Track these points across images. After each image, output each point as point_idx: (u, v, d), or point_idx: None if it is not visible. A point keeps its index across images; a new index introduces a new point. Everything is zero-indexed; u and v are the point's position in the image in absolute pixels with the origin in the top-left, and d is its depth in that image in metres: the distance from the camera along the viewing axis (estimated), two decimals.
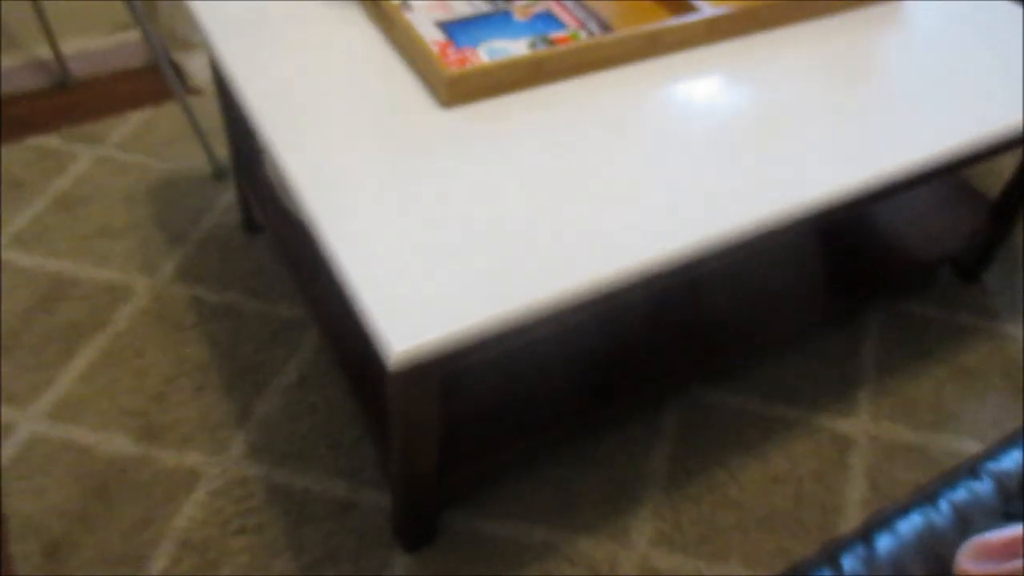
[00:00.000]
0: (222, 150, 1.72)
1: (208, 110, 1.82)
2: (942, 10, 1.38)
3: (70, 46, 1.84)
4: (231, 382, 1.34)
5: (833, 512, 1.26)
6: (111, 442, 1.25)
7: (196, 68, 1.90)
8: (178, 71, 1.92)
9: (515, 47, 1.16)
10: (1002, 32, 1.34)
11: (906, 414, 1.39)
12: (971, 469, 0.95)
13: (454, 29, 1.19)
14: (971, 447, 1.36)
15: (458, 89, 1.07)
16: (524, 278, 0.88)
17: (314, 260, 1.33)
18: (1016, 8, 1.42)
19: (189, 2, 1.22)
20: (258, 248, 1.53)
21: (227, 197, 1.62)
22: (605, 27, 1.22)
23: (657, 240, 0.94)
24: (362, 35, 1.18)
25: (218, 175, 1.65)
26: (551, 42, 1.18)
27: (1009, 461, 0.95)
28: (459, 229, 0.92)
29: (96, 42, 1.86)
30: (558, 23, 1.22)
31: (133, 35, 1.90)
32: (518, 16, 1.23)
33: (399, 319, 0.83)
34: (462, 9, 1.23)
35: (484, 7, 1.24)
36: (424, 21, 1.19)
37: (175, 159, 1.69)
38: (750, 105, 1.13)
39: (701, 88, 1.15)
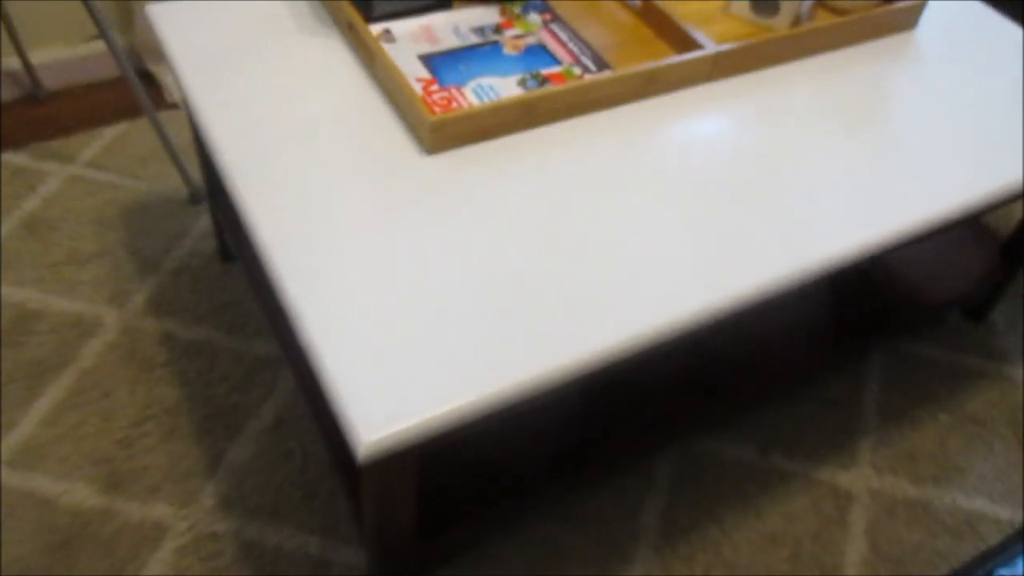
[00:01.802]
0: (199, 169, 1.64)
1: (186, 125, 1.75)
2: (948, 37, 1.31)
3: (41, 56, 1.75)
4: (202, 426, 1.27)
5: (832, 575, 1.21)
6: (74, 493, 1.19)
7: (173, 81, 1.82)
8: (153, 83, 1.84)
9: (504, 85, 1.09)
10: (1010, 58, 1.28)
11: (908, 466, 1.33)
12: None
13: (439, 63, 1.11)
14: (975, 504, 1.30)
15: (442, 135, 1.00)
16: (511, 353, 0.82)
17: None
18: (1017, 30, 1.35)
19: (157, 30, 1.15)
20: (234, 278, 1.46)
21: (203, 222, 1.55)
22: (600, 62, 1.14)
23: (654, 308, 0.87)
24: (343, 68, 1.11)
25: (194, 198, 1.58)
26: (543, 79, 1.11)
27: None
28: (440, 296, 0.86)
29: (69, 52, 1.77)
30: (551, 57, 1.15)
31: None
32: (508, 49, 1.15)
33: (370, 404, 0.77)
34: (449, 40, 1.15)
35: (472, 38, 1.16)
36: (407, 55, 1.12)
37: (150, 179, 1.62)
38: (755, 150, 1.07)
39: (702, 132, 1.08)
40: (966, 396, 1.44)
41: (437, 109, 1.04)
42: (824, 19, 1.30)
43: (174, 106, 1.79)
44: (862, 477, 1.31)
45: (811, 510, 1.27)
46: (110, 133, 1.70)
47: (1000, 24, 1.37)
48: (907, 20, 1.30)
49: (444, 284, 0.87)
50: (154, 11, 1.17)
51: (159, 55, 1.84)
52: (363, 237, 0.90)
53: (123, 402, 1.29)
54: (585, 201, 0.97)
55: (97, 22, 1.41)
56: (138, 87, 1.46)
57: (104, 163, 1.64)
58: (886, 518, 1.27)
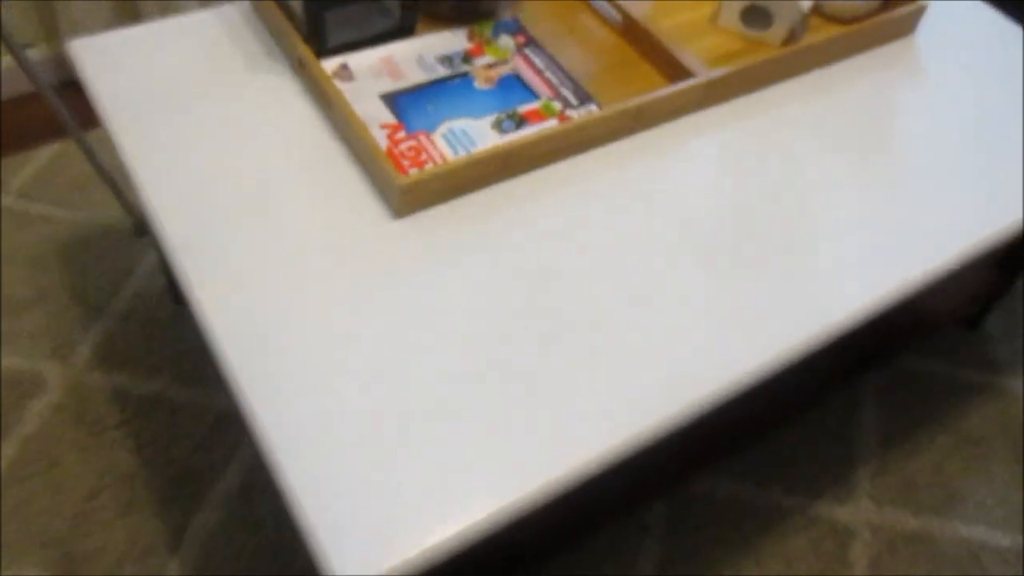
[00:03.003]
0: None
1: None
2: (949, 42, 1.22)
3: None
4: (163, 494, 1.17)
5: None
6: None
7: None
8: (83, 96, 1.68)
9: (478, 128, 0.98)
10: (1013, 61, 1.19)
11: (908, 495, 1.29)
12: None
13: (405, 104, 1.00)
14: (977, 532, 1.26)
15: (414, 197, 0.89)
16: (507, 461, 0.73)
17: None
18: (1018, 30, 1.26)
19: (83, 73, 1.01)
20: (188, 322, 1.35)
21: (151, 258, 1.42)
22: (582, 93, 1.04)
23: (660, 395, 0.79)
24: (296, 112, 0.99)
25: (139, 230, 1.45)
26: (520, 119, 1.00)
27: None
28: (423, 393, 0.76)
29: None
30: (527, 91, 1.04)
31: (39, 52, 1.66)
32: (480, 83, 1.04)
33: (347, 539, 0.68)
34: (414, 75, 1.03)
35: (440, 70, 1.05)
36: (368, 94, 1.00)
37: (89, 209, 1.48)
38: (756, 190, 0.98)
39: (697, 172, 0.99)
40: (963, 413, 1.39)
41: (405, 162, 0.93)
42: (819, 27, 1.20)
43: None
44: (862, 511, 1.26)
45: (811, 550, 1.22)
46: (44, 155, 1.55)
47: (1000, 24, 1.28)
48: (906, 26, 1.21)
49: (425, 377, 0.77)
50: (78, 49, 1.04)
51: None
52: (329, 327, 0.80)
53: (74, 471, 1.18)
54: (575, 265, 0.88)
55: (3, 36, 1.24)
56: (59, 106, 1.31)
57: (37, 192, 1.49)
58: (888, 555, 1.23)
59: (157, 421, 1.24)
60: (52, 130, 1.61)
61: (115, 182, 1.41)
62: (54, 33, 1.64)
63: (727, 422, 1.18)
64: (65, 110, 1.32)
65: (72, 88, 1.70)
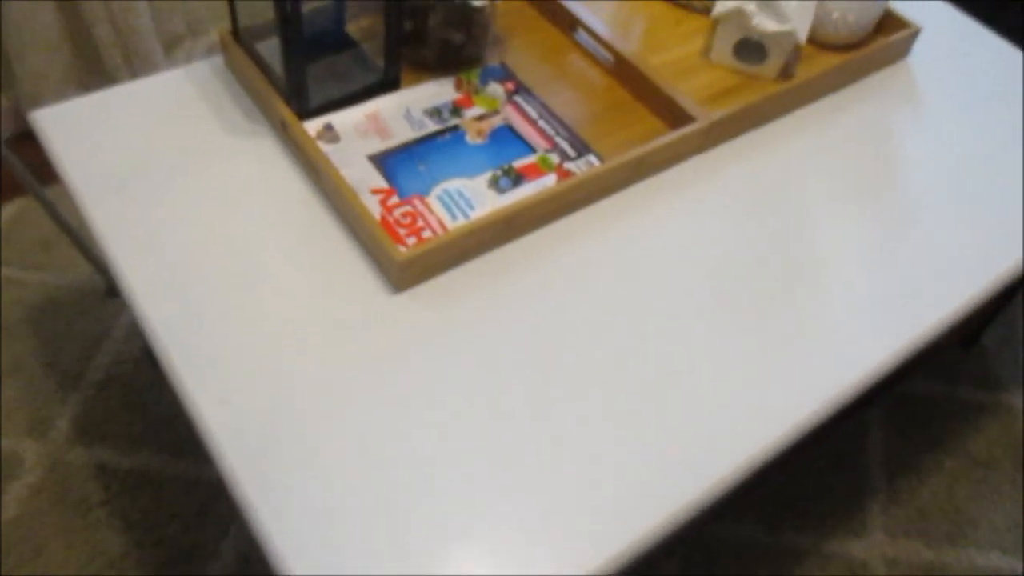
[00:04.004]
0: None
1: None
2: (943, 64, 1.19)
3: None
4: None
5: None
6: None
7: None
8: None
9: (474, 188, 0.94)
10: (1014, 81, 1.17)
11: (921, 525, 1.27)
12: None
13: (395, 165, 0.95)
14: (991, 560, 1.24)
15: (413, 271, 0.85)
16: (540, 551, 0.69)
17: None
18: (1017, 53, 1.24)
19: (49, 146, 0.95)
20: (169, 386, 1.29)
21: (127, 318, 1.36)
22: (579, 143, 1.00)
23: (679, 479, 0.75)
24: (280, 180, 0.94)
25: (111, 289, 1.38)
26: (517, 175, 0.96)
27: None
28: (443, 482, 0.72)
29: None
30: (521, 143, 0.99)
31: None
32: (472, 137, 0.99)
33: None
34: (402, 132, 0.98)
35: (429, 125, 1.00)
36: (356, 157, 0.95)
37: (57, 270, 1.41)
38: (763, 239, 0.94)
39: (701, 222, 0.95)
40: (967, 435, 1.38)
41: (401, 231, 0.88)
42: (811, 55, 1.17)
43: None
44: (876, 544, 1.24)
45: None
46: (3, 215, 1.48)
47: (994, 43, 1.26)
48: (900, 51, 1.18)
49: (441, 466, 0.73)
50: (41, 120, 0.97)
51: None
52: (332, 414, 0.75)
53: (60, 558, 1.12)
54: (585, 329, 0.84)
55: None
56: (16, 164, 1.24)
57: (0, 254, 1.42)
58: None
59: (144, 497, 1.18)
60: (9, 187, 1.53)
61: (81, 240, 1.34)
62: (9, 84, 1.56)
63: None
64: (23, 168, 1.25)
65: (29, 140, 1.62)
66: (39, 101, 1.56)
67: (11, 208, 1.49)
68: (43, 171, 1.51)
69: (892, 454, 1.34)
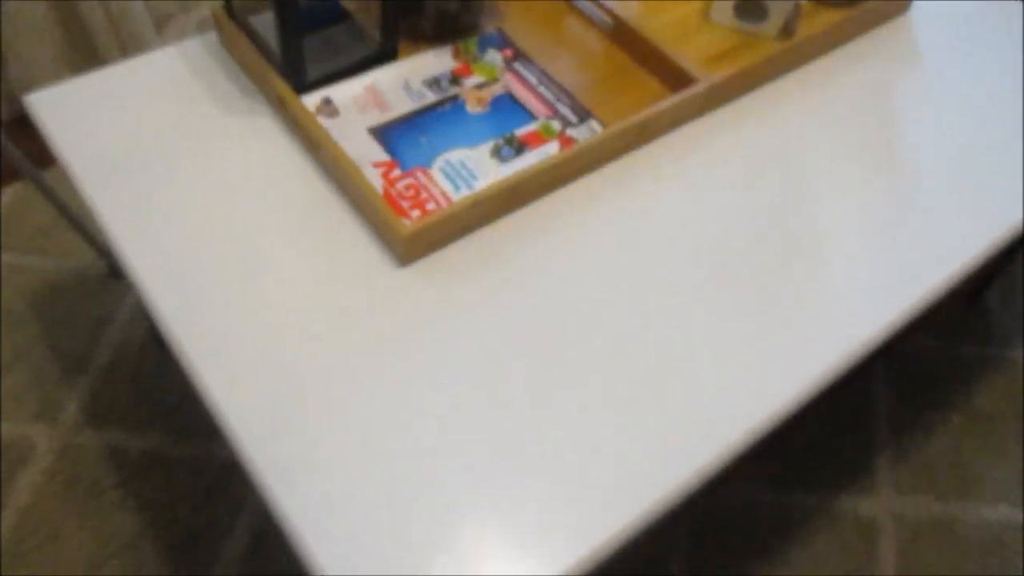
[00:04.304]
0: None
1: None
2: (944, 18, 1.18)
3: None
4: (171, 558, 1.12)
5: None
6: None
7: None
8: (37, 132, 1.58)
9: (477, 159, 0.93)
10: (1017, 34, 1.16)
11: (929, 480, 1.28)
12: None
13: (396, 138, 0.94)
14: (999, 512, 1.25)
15: (418, 244, 0.84)
16: (550, 526, 0.69)
17: None
18: (1017, 6, 1.23)
19: (44, 129, 0.94)
20: (176, 369, 1.29)
21: (130, 300, 1.36)
22: (580, 109, 0.99)
23: (685, 446, 0.75)
24: (280, 156, 0.93)
25: (114, 272, 1.38)
26: (519, 143, 0.95)
27: None
28: (455, 455, 0.72)
29: None
30: (522, 111, 0.98)
31: None
32: (472, 106, 0.98)
33: None
34: (401, 104, 0.97)
35: (428, 96, 0.99)
36: (356, 130, 0.94)
37: (58, 254, 1.40)
38: (765, 203, 0.93)
39: (704, 186, 0.95)
40: (972, 389, 1.39)
41: (405, 204, 0.88)
42: (810, 12, 1.15)
43: None
44: (884, 501, 1.25)
45: (839, 547, 1.20)
46: (2, 200, 1.47)
47: None
48: (901, 6, 1.17)
49: (449, 442, 0.73)
50: (36, 103, 0.96)
51: None
52: (344, 388, 0.75)
53: (75, 542, 1.13)
54: (591, 296, 0.83)
55: None
56: (11, 149, 1.23)
57: (1, 241, 1.41)
58: (913, 544, 1.22)
59: (156, 478, 1.18)
60: (7, 173, 1.52)
61: (81, 223, 1.33)
62: (2, 69, 1.54)
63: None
64: (19, 153, 1.24)
65: (22, 125, 1.61)
66: (31, 85, 1.54)
67: (9, 194, 1.48)
68: (39, 156, 1.50)
69: (898, 412, 1.35)
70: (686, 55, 1.04)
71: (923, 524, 1.24)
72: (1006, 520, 1.25)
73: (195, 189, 0.89)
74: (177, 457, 1.20)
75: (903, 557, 1.20)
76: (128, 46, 1.54)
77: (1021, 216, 0.96)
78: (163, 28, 1.61)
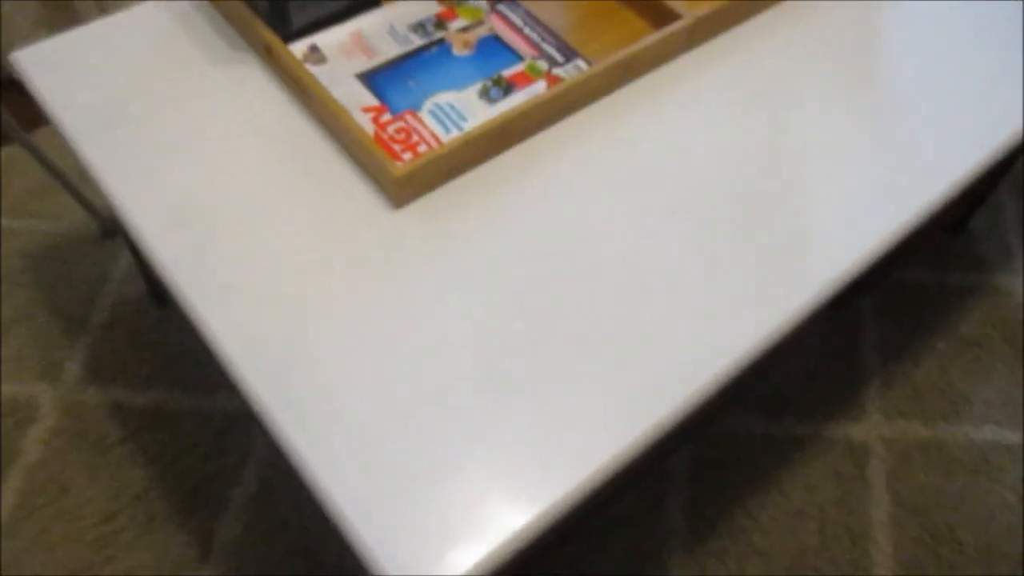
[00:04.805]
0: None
1: None
2: None
3: None
4: (182, 507, 1.15)
5: (862, 539, 1.19)
6: None
7: None
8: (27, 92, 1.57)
9: (465, 100, 0.94)
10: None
11: (917, 406, 1.31)
12: None
13: (384, 82, 0.94)
14: (985, 433, 1.29)
15: (411, 186, 0.85)
16: (550, 450, 0.71)
17: None
18: None
19: (33, 87, 0.94)
20: (175, 324, 1.30)
21: (124, 260, 1.36)
22: (566, 49, 0.99)
23: (674, 375, 0.77)
24: (268, 105, 0.93)
25: (106, 232, 1.38)
26: (507, 84, 0.96)
27: None
28: (451, 385, 0.74)
29: None
30: (509, 52, 0.99)
31: None
32: (458, 49, 0.99)
33: (393, 543, 0.67)
34: (388, 49, 0.98)
35: (414, 40, 0.99)
36: (344, 77, 0.94)
37: (50, 217, 1.41)
38: (750, 138, 0.95)
39: (691, 119, 0.96)
40: (959, 317, 1.41)
41: (396, 147, 0.89)
42: None
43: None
44: (874, 426, 1.29)
45: (831, 474, 1.24)
46: None
47: None
48: None
49: (447, 370, 0.75)
50: (23, 60, 0.96)
51: None
52: (346, 329, 0.77)
53: (86, 496, 1.15)
54: (582, 235, 0.85)
55: None
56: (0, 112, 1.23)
57: None
58: (904, 467, 1.25)
59: (162, 432, 1.20)
60: None
61: (73, 184, 1.34)
62: None
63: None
64: (7, 116, 1.24)
65: (6, 88, 1.60)
66: (9, 48, 1.53)
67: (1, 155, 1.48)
68: (26, 119, 1.50)
69: (885, 341, 1.38)
70: None
71: (912, 447, 1.27)
72: (993, 440, 1.29)
73: (187, 139, 0.90)
74: (181, 410, 1.22)
75: (894, 479, 1.24)
76: (106, 5, 1.52)
77: (995, 146, 0.98)
78: None
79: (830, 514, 1.21)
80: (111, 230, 1.38)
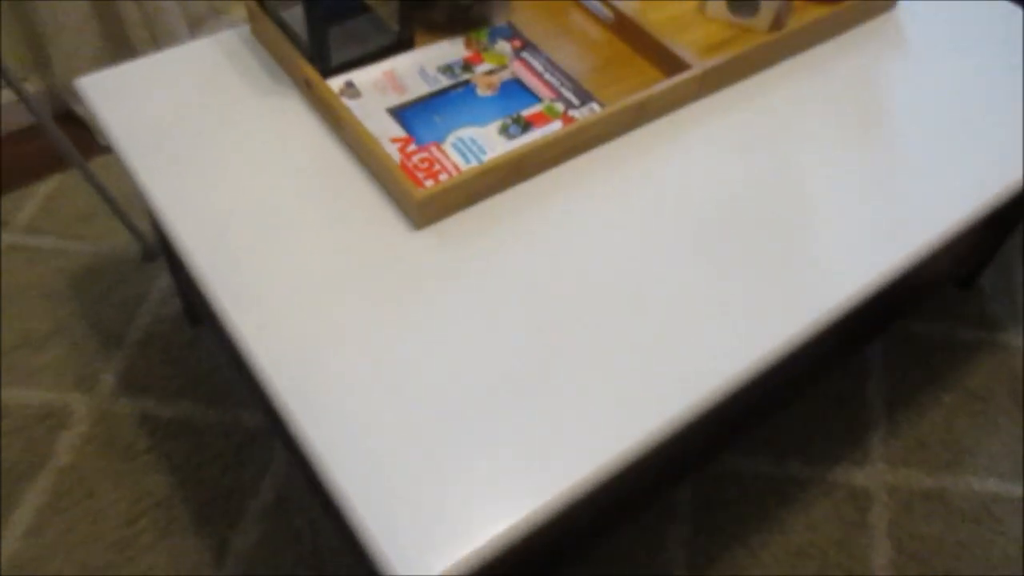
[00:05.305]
0: (148, 219, 1.53)
1: (127, 172, 1.62)
2: (930, 10, 1.25)
3: None
4: (200, 515, 1.20)
5: None
6: None
7: None
8: (81, 125, 1.69)
9: (486, 135, 1.01)
10: (1003, 34, 1.23)
11: (920, 455, 1.33)
12: None
13: (412, 117, 1.02)
14: (988, 485, 1.31)
15: (431, 209, 0.92)
16: (552, 453, 0.76)
17: None
18: (1016, 9, 1.30)
19: (94, 109, 1.03)
20: (206, 344, 1.37)
21: (162, 282, 1.44)
22: (582, 93, 1.07)
23: (680, 388, 0.82)
24: (305, 132, 1.01)
25: (148, 255, 1.47)
26: (525, 122, 1.03)
27: None
28: (461, 395, 0.79)
29: None
30: (529, 94, 1.06)
31: (32, 86, 1.66)
32: (482, 90, 1.07)
33: (401, 539, 0.71)
34: (417, 87, 1.06)
35: (442, 81, 1.07)
36: (375, 110, 1.02)
37: (96, 238, 1.50)
38: (756, 178, 1.01)
39: (699, 161, 1.02)
40: (965, 371, 1.44)
41: (420, 174, 0.96)
42: (802, 8, 1.23)
43: (109, 150, 1.65)
44: (878, 473, 1.31)
45: (833, 516, 1.26)
46: (43, 190, 1.57)
47: None
48: (887, 4, 1.24)
49: (460, 385, 0.80)
50: (86, 86, 1.05)
51: None
52: (366, 339, 0.83)
53: (110, 499, 1.21)
54: (591, 262, 0.91)
55: (2, 71, 1.25)
56: (61, 138, 1.32)
57: (42, 226, 1.51)
58: (905, 514, 1.27)
59: (186, 444, 1.26)
60: (48, 165, 1.62)
61: (120, 209, 1.43)
62: (46, 66, 1.65)
63: (743, 403, 1.22)
64: (68, 142, 1.33)
65: (63, 121, 1.71)
66: (71, 82, 1.65)
67: (51, 183, 1.58)
68: (79, 148, 1.60)
69: (892, 391, 1.40)
70: (682, 45, 1.12)
71: (915, 495, 1.29)
72: (996, 493, 1.30)
73: (229, 162, 0.98)
74: (206, 423, 1.28)
75: (895, 526, 1.26)
76: (162, 45, 1.64)
77: (994, 193, 1.03)
78: (196, 29, 1.72)
79: (831, 556, 1.23)
80: (152, 254, 1.47)
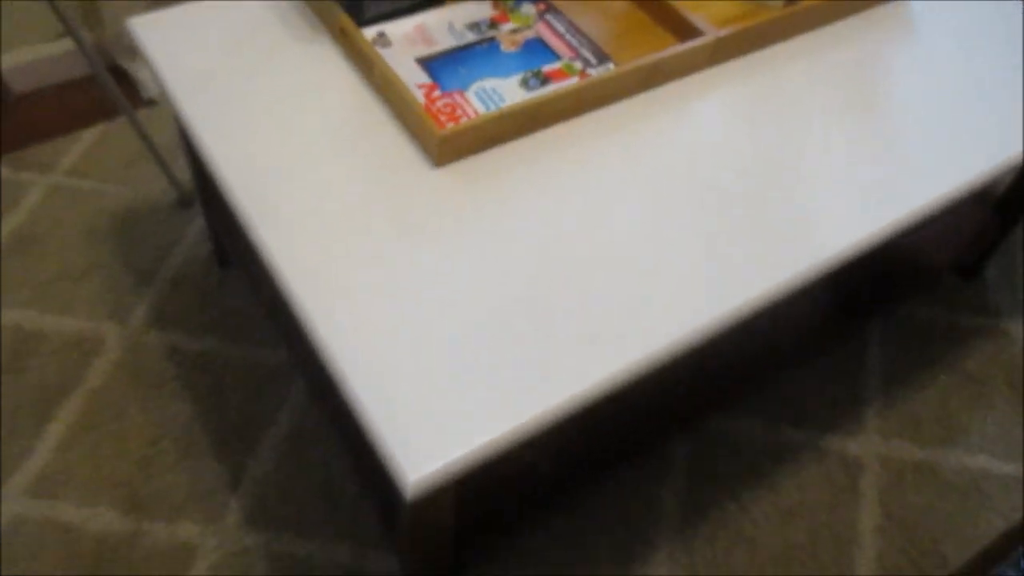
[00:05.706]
0: (186, 169, 1.61)
1: (166, 123, 1.70)
2: (947, 8, 1.30)
3: (5, 59, 1.68)
4: (219, 441, 1.27)
5: (848, 544, 1.24)
6: (98, 518, 1.19)
7: (149, 76, 1.76)
8: (127, 80, 1.77)
9: (507, 86, 1.07)
10: (1009, 29, 1.27)
11: (914, 430, 1.37)
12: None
13: (438, 67, 1.09)
14: (979, 462, 1.34)
15: (450, 148, 0.98)
16: (550, 372, 0.82)
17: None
18: (1017, 6, 1.34)
19: (143, 48, 1.11)
20: (234, 284, 1.44)
21: (196, 226, 1.52)
22: (600, 54, 1.12)
23: (670, 323, 0.87)
24: (338, 76, 1.08)
25: (184, 201, 1.55)
26: (544, 77, 1.09)
27: None
28: (469, 321, 0.85)
29: (36, 51, 1.71)
30: (550, 52, 1.12)
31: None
32: (506, 47, 1.13)
33: (412, 442, 0.77)
34: (445, 41, 1.12)
35: (469, 36, 1.13)
36: (405, 60, 1.09)
37: (135, 184, 1.58)
38: (760, 141, 1.06)
39: (706, 125, 1.08)
40: (964, 355, 1.48)
41: (442, 118, 1.02)
42: None
43: (152, 103, 1.74)
44: (870, 443, 1.35)
45: (824, 481, 1.30)
46: (88, 137, 1.65)
47: None
48: None
49: (470, 309, 0.86)
50: (137, 26, 1.13)
51: (131, 51, 1.78)
52: (385, 261, 0.89)
53: (136, 422, 1.28)
54: (597, 207, 0.97)
55: (64, 20, 1.34)
56: (113, 87, 1.41)
57: (86, 170, 1.59)
58: (896, 483, 1.31)
59: (211, 376, 1.33)
60: (92, 114, 1.70)
61: (161, 157, 1.50)
62: (96, 21, 1.74)
63: (739, 361, 1.27)
64: (119, 91, 1.42)
65: (110, 74, 1.80)
66: (121, 39, 1.73)
67: (96, 131, 1.66)
68: (129, 97, 1.68)
69: (889, 369, 1.45)
70: (699, 16, 1.18)
71: (906, 466, 1.33)
72: (986, 469, 1.34)
73: (269, 102, 1.05)
74: (230, 358, 1.35)
75: (885, 493, 1.30)
76: None
77: (986, 168, 1.07)
78: None
79: (820, 517, 1.27)
80: (188, 201, 1.55)
